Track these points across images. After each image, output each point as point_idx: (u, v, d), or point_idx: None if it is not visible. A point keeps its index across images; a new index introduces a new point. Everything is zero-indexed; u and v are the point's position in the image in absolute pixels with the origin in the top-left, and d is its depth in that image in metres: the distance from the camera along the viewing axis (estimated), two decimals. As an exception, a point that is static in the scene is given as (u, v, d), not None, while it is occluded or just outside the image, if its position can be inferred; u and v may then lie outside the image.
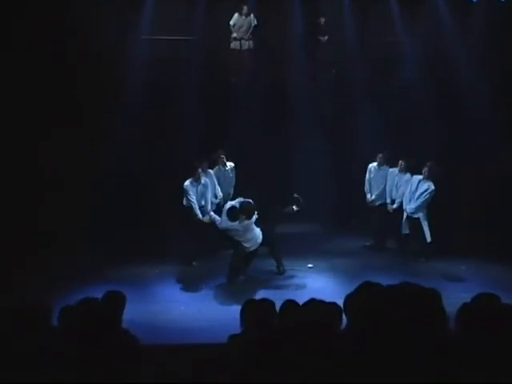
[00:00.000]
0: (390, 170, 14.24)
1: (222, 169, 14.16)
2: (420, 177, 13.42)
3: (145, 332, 6.58)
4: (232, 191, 14.25)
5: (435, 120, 15.35)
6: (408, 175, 13.84)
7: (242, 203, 11.96)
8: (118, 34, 15.07)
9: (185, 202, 13.14)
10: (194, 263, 13.11)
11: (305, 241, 14.28)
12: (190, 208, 13.01)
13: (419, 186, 13.36)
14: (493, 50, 15.19)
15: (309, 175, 14.93)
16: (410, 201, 13.45)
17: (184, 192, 13.05)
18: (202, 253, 13.33)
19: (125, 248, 13.38)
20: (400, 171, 13.99)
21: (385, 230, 14.31)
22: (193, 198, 12.98)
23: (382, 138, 15.03)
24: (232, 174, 14.32)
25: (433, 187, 13.23)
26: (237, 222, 11.79)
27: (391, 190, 14.08)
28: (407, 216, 13.48)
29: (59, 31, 14.12)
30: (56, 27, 14.04)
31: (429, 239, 13.25)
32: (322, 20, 16.23)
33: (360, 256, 13.89)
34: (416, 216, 13.34)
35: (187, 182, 13.06)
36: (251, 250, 12.07)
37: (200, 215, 13.00)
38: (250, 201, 12.04)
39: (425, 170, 13.38)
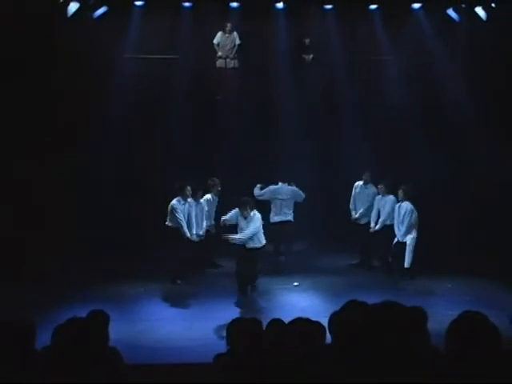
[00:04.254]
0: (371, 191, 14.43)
1: (215, 198, 14.10)
2: (400, 203, 13.53)
3: (130, 351, 6.53)
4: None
5: (421, 136, 15.48)
6: (390, 196, 13.90)
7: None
8: (104, 53, 15.12)
9: (169, 222, 13.07)
10: (178, 282, 13.04)
11: (291, 259, 14.25)
12: (176, 228, 12.99)
13: (400, 210, 13.43)
14: (476, 66, 15.30)
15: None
16: (399, 228, 13.45)
17: (171, 211, 13.00)
18: (187, 271, 13.28)
19: (110, 266, 13.36)
20: (382, 195, 14.04)
21: (370, 248, 14.33)
22: (180, 216, 12.94)
23: (369, 156, 15.15)
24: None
25: (411, 206, 13.29)
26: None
27: (376, 215, 14.13)
28: (397, 241, 13.48)
29: (45, 51, 14.09)
30: (42, 47, 14.01)
31: (407, 265, 13.28)
32: (307, 41, 16.35)
33: (346, 274, 13.89)
34: (405, 240, 13.34)
35: (174, 201, 13.02)
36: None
37: (188, 234, 12.97)
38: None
39: (399, 192, 13.50)
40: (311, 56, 16.50)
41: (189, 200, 13.20)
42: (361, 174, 14.54)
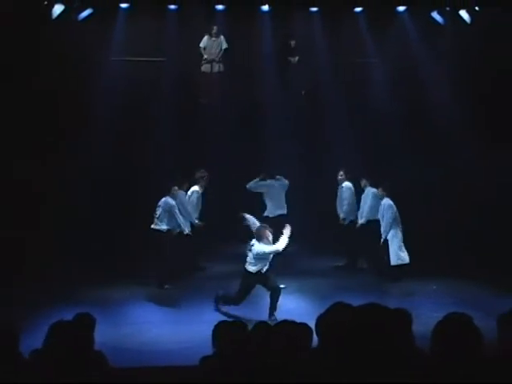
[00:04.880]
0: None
1: (202, 190, 14.18)
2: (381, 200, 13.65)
3: (116, 354, 6.53)
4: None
5: (406, 139, 15.54)
6: (370, 190, 14.04)
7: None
8: (89, 55, 15.08)
9: (162, 225, 13.07)
10: (166, 286, 13.01)
11: (277, 261, 14.23)
12: (168, 230, 13.04)
13: (380, 208, 13.53)
14: (461, 69, 15.38)
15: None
16: (381, 224, 13.57)
17: (172, 211, 13.00)
18: (175, 275, 13.25)
19: (97, 270, 13.32)
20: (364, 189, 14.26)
21: (357, 249, 14.37)
22: (180, 215, 13.12)
23: (355, 158, 15.23)
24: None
25: (389, 202, 13.37)
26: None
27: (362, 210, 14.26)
28: (384, 239, 13.55)
29: (32, 54, 14.05)
30: (29, 50, 13.97)
31: (393, 262, 13.32)
32: (293, 43, 16.37)
33: (332, 276, 13.90)
34: (387, 238, 13.42)
35: (171, 200, 13.08)
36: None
37: (187, 229, 13.21)
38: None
39: (379, 190, 13.70)
40: (297, 58, 16.52)
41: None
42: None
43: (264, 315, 10.91)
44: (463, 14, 15.61)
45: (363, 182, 14.33)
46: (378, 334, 4.07)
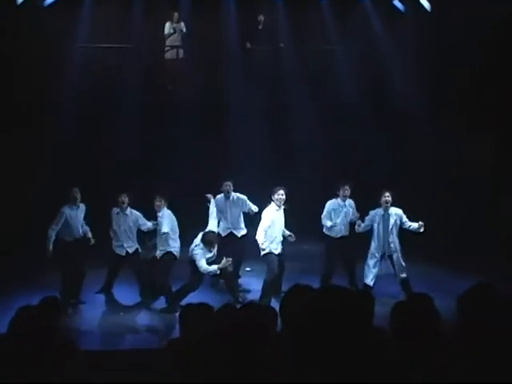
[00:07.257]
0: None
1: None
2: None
3: (84, 337, 6.60)
4: None
5: (370, 125, 15.71)
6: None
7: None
8: (55, 42, 15.00)
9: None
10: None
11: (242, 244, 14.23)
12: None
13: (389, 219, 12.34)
14: (422, 56, 15.58)
15: (243, 183, 14.96)
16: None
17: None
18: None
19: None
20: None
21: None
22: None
23: (319, 149, 15.38)
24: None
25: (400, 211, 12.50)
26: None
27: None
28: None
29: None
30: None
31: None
32: (261, 18, 16.38)
33: (298, 259, 13.89)
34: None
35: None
36: None
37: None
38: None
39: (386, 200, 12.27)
40: (251, 45, 16.60)
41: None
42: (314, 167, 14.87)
43: (230, 298, 11.00)
44: (424, 1, 15.82)
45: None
46: (337, 314, 4.17)
